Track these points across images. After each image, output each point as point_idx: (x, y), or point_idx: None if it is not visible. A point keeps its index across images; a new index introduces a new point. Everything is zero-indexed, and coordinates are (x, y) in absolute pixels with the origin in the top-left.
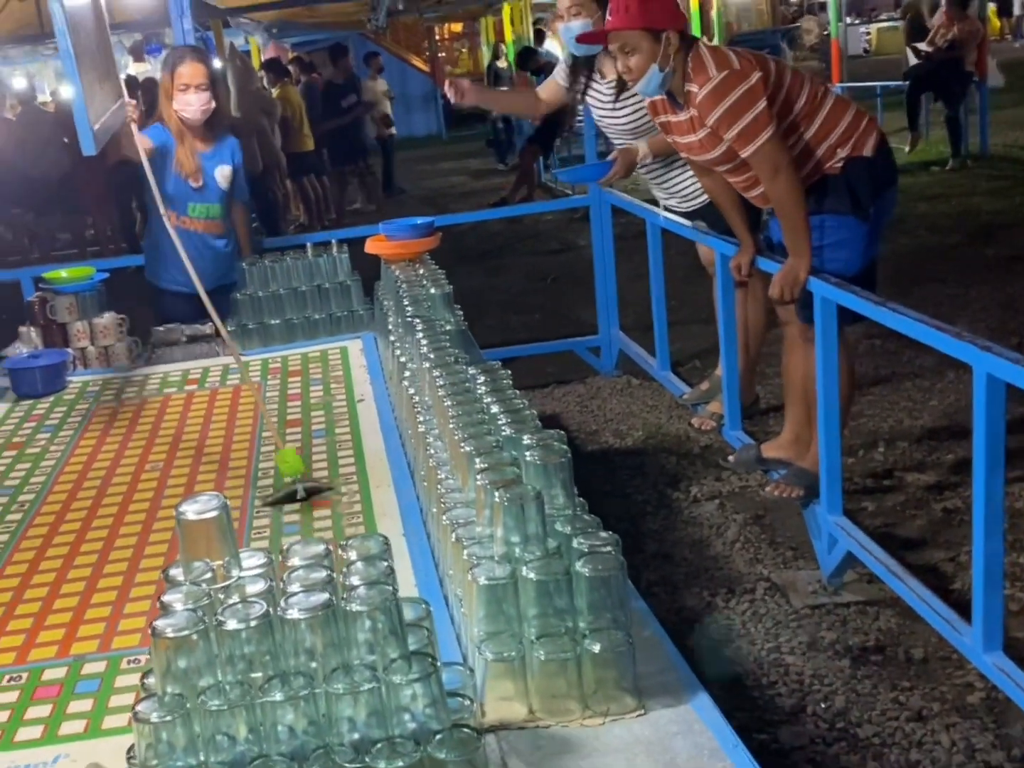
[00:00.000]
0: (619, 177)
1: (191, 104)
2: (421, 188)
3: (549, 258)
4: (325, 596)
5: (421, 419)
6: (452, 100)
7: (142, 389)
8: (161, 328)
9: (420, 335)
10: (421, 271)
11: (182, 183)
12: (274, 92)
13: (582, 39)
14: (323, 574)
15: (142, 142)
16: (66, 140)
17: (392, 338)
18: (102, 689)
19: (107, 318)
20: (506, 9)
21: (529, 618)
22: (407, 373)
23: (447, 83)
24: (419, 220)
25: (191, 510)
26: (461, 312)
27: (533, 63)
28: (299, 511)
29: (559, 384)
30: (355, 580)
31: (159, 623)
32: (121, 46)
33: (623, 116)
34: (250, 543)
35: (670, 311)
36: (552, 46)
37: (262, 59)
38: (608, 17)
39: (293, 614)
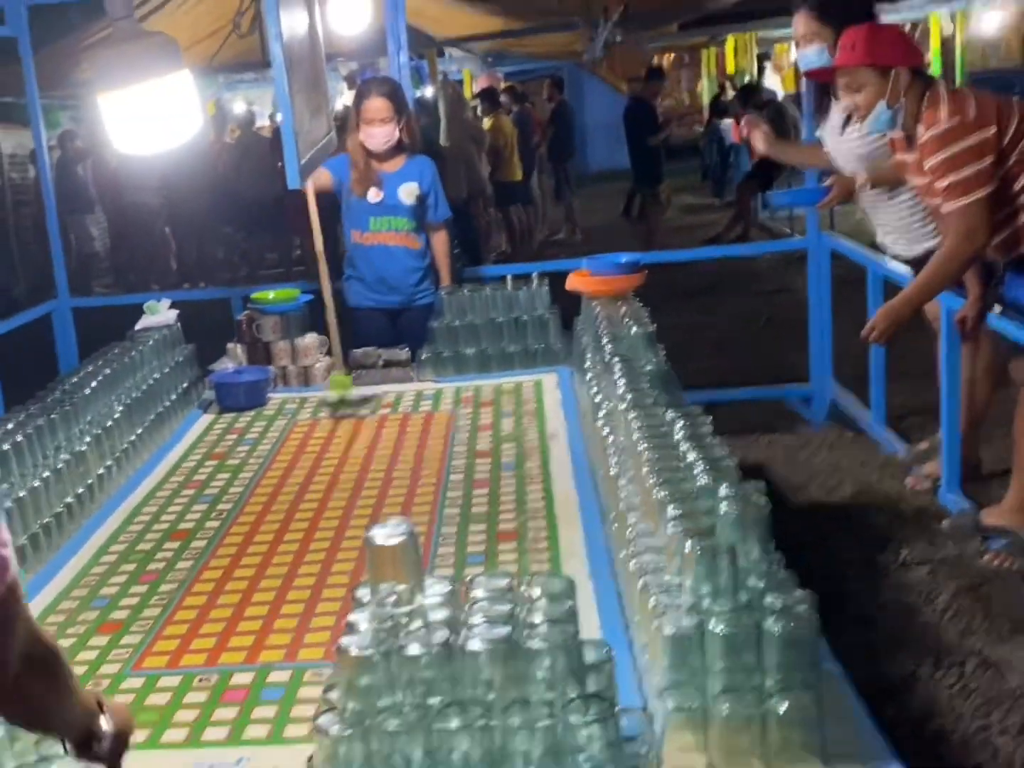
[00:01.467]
0: (835, 204)
1: (373, 136)
2: (631, 221)
3: (764, 299)
4: (507, 630)
5: (614, 461)
6: (739, 141)
7: (337, 410)
8: (359, 351)
9: (618, 375)
10: (623, 309)
11: (361, 201)
12: (486, 122)
13: (811, 75)
14: (506, 607)
15: (317, 176)
16: (280, 164)
17: (589, 376)
18: (286, 697)
19: (309, 339)
20: (730, 41)
21: (715, 671)
22: (602, 413)
23: (744, 122)
24: (624, 257)
25: (380, 534)
26: (664, 352)
27: (755, 100)
28: (484, 544)
29: (766, 432)
30: (537, 617)
31: (345, 640)
32: (337, 74)
33: (851, 142)
34: (434, 569)
35: (888, 363)
36: (774, 82)
37: (474, 88)
38: (837, 51)
39: (474, 645)
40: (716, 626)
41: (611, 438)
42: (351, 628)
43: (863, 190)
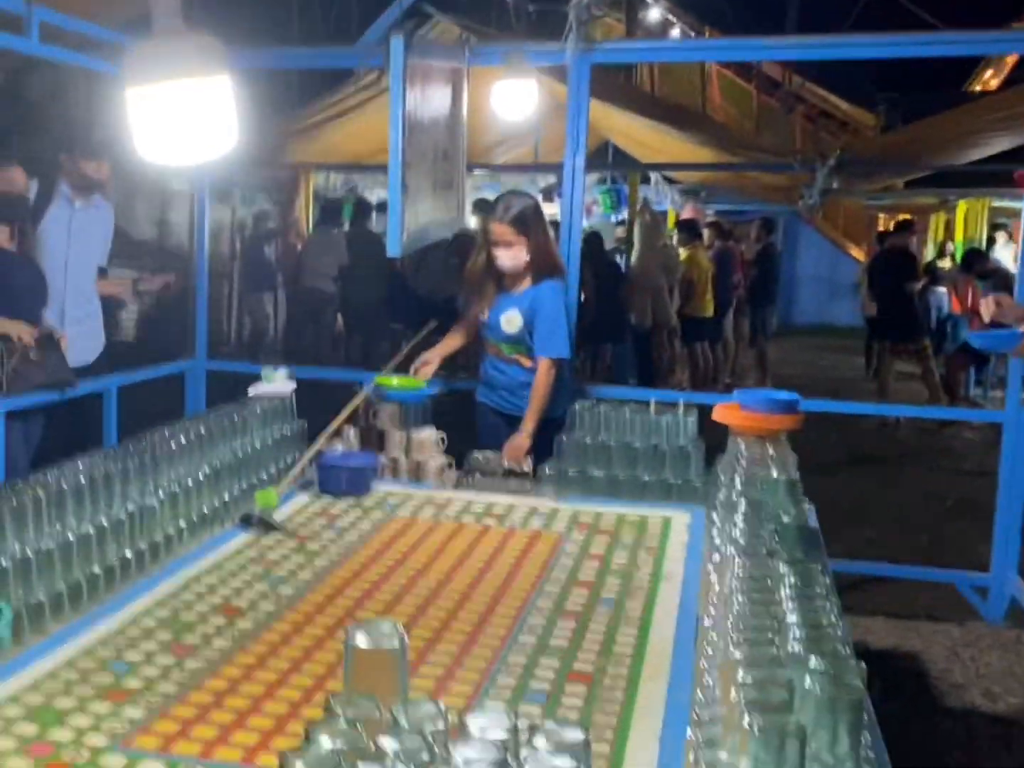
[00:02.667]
0: None
1: (498, 257)
2: (822, 378)
3: (956, 479)
4: None
5: (711, 611)
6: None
7: (441, 511)
8: (479, 456)
9: (740, 517)
10: (771, 451)
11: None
12: (683, 253)
13: None
14: (493, 754)
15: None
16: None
17: (715, 516)
18: None
19: (427, 433)
20: (961, 207)
21: None
22: (716, 557)
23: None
24: (781, 394)
25: (363, 636)
26: (815, 509)
27: (980, 266)
28: (552, 682)
29: (929, 619)
30: None
31: (289, 757)
32: (536, 185)
33: None
34: (485, 699)
35: None
36: (1004, 253)
37: (678, 218)
38: None
39: None
40: None
41: (715, 585)
42: (308, 740)
43: None
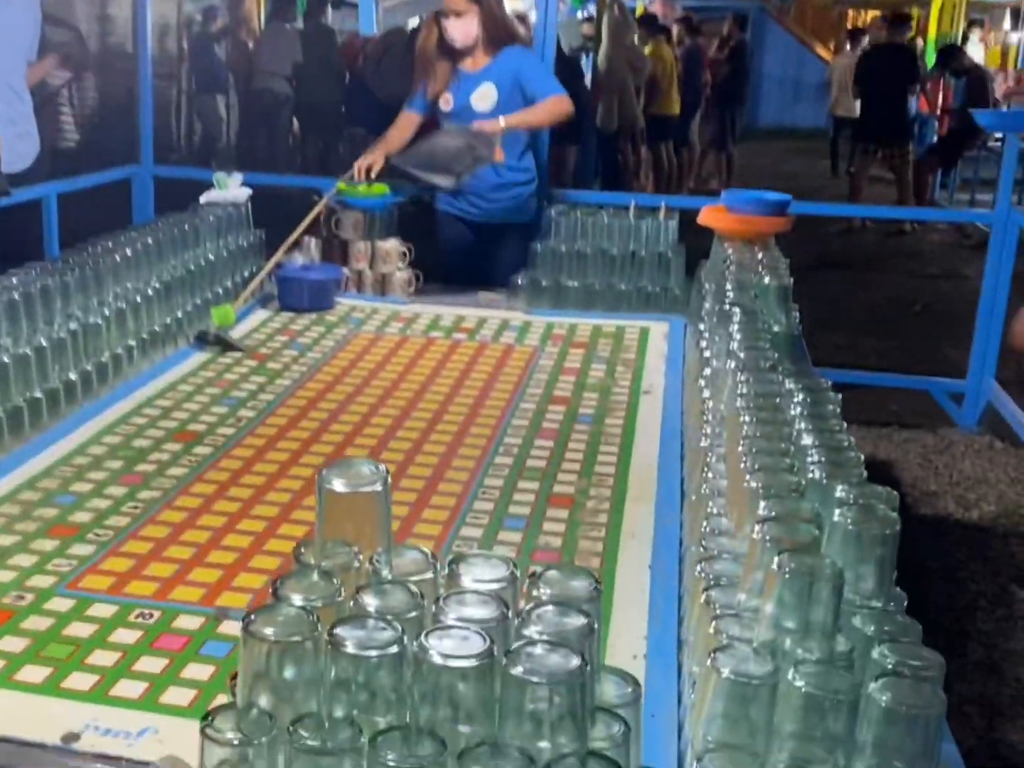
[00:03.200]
0: None
1: (448, 29)
2: (788, 181)
3: (925, 283)
4: (484, 645)
5: (708, 431)
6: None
7: (407, 326)
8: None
9: (735, 327)
10: (760, 256)
11: (439, 107)
12: (646, 48)
13: None
14: (492, 611)
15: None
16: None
17: (702, 327)
18: (228, 658)
19: (391, 243)
20: (936, 2)
21: (783, 737)
22: (707, 371)
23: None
24: (771, 195)
25: (340, 480)
26: (799, 315)
27: (956, 64)
28: (531, 506)
29: (902, 427)
30: (535, 631)
31: (256, 618)
32: None
33: None
34: (462, 526)
35: None
36: (977, 53)
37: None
38: None
39: (434, 657)
40: (797, 678)
41: (711, 403)
42: (278, 596)
43: None
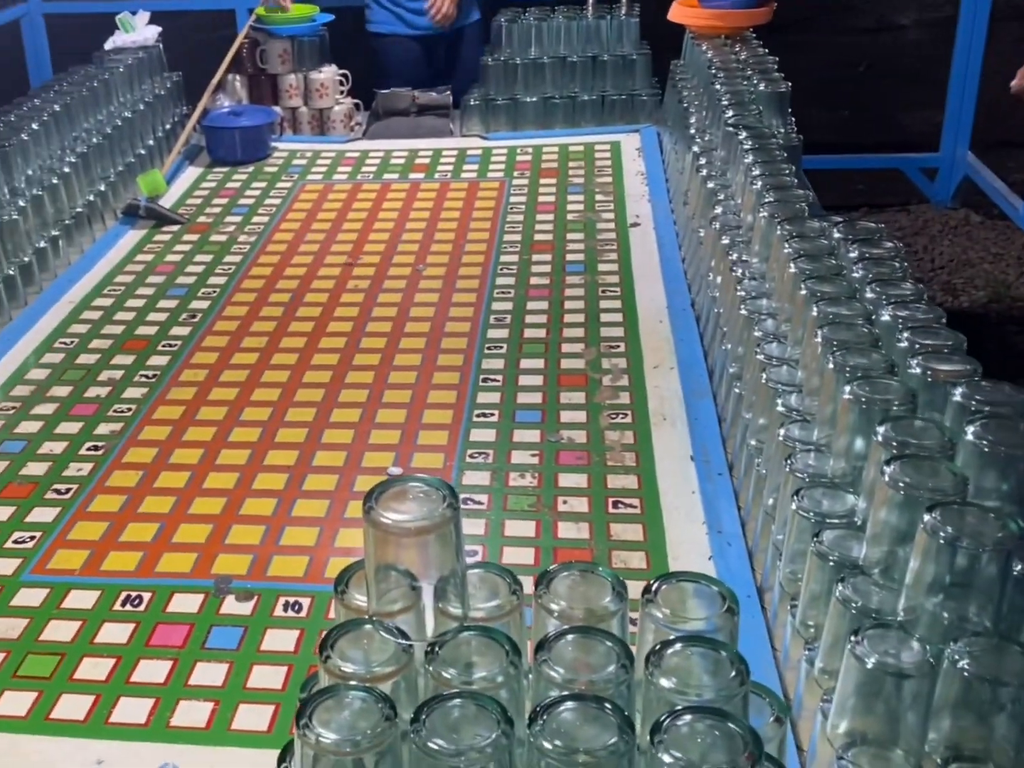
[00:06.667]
0: None
1: None
2: None
3: (862, 38)
4: None
5: (742, 293)
6: None
7: (356, 170)
8: (386, 91)
9: (749, 156)
10: (743, 55)
11: None
12: None
13: None
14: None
15: None
16: None
17: (696, 149)
18: (244, 647)
19: (326, 72)
20: None
21: (940, 726)
22: (718, 211)
23: None
24: None
25: (392, 513)
26: (793, 119)
27: None
28: (541, 392)
29: (873, 209)
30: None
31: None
32: None
33: None
34: (471, 428)
35: None
36: None
37: None
38: None
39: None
40: (959, 657)
41: (726, 239)
42: (331, 673)
43: None
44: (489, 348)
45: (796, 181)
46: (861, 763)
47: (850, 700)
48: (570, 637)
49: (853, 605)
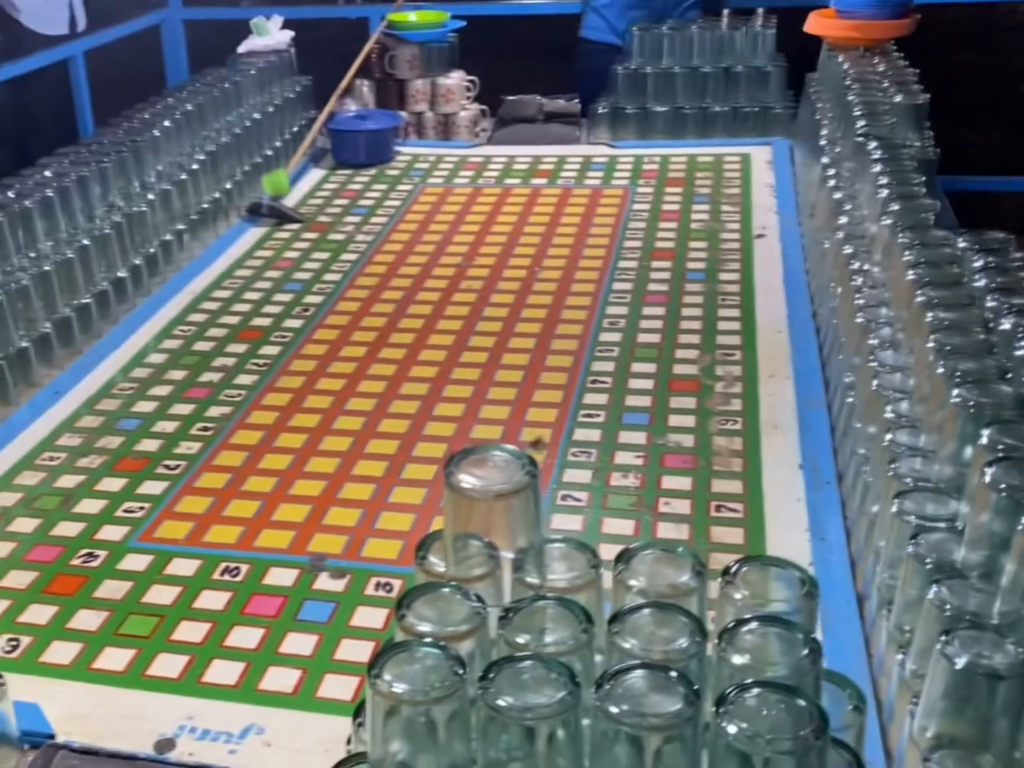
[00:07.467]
0: None
1: None
2: None
3: (1013, 59)
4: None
5: (862, 301)
6: None
7: (478, 175)
8: (513, 98)
9: (877, 165)
10: (881, 67)
11: None
12: None
13: None
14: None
15: None
16: None
17: (826, 160)
18: (336, 619)
19: (454, 79)
20: None
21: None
22: (842, 220)
23: None
24: None
25: (470, 472)
26: (931, 133)
27: None
28: (651, 396)
29: None
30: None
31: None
32: None
33: None
34: (575, 428)
35: None
36: None
37: None
38: None
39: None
40: None
41: (849, 248)
42: (405, 629)
43: None
44: (600, 351)
45: (924, 191)
46: (947, 766)
47: (938, 703)
48: (646, 611)
49: (947, 607)
